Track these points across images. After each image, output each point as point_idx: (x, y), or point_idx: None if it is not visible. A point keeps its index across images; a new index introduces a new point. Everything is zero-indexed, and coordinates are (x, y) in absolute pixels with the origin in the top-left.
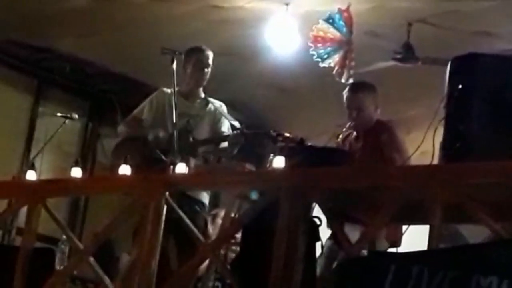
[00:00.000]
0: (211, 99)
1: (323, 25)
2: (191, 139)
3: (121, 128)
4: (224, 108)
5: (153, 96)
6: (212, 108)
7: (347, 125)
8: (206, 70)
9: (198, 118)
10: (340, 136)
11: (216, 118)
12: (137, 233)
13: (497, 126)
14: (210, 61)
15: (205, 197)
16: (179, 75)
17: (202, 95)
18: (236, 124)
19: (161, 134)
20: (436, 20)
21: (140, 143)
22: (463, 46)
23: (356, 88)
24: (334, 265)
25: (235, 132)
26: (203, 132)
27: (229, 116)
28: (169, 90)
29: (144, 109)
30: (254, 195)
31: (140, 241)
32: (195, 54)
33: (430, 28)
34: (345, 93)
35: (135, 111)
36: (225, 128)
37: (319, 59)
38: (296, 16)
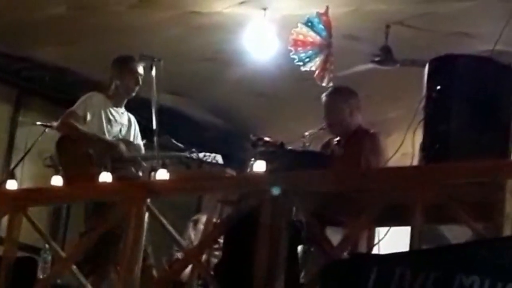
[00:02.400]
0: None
1: (302, 29)
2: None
3: (60, 124)
4: (134, 118)
5: (89, 96)
6: (132, 118)
7: (320, 127)
8: (139, 85)
9: (125, 127)
10: (306, 136)
11: (135, 129)
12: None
13: (476, 126)
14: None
15: None
16: (158, 81)
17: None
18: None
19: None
20: (414, 22)
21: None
22: (441, 47)
23: (332, 91)
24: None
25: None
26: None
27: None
28: (100, 94)
29: (84, 107)
30: (276, 191)
31: (123, 249)
32: (132, 63)
33: (408, 30)
34: (322, 96)
35: (75, 108)
36: (140, 140)
37: (301, 63)
38: (274, 21)
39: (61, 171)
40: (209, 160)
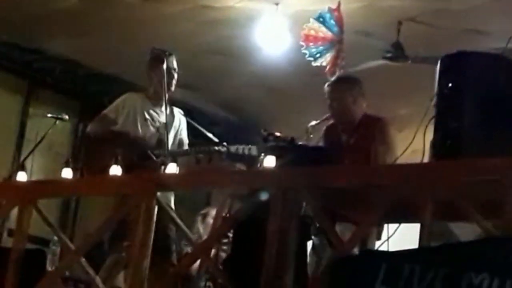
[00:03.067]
0: (174, 107)
1: (314, 24)
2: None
3: (92, 126)
4: (182, 115)
5: (123, 98)
6: (176, 115)
7: (324, 117)
8: (175, 75)
9: (165, 126)
10: (310, 127)
11: (179, 127)
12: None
13: (487, 124)
14: (176, 66)
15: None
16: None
17: (166, 102)
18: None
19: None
20: (425, 19)
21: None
22: (453, 44)
23: (335, 80)
24: (323, 262)
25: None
26: (169, 140)
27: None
28: (136, 95)
29: (115, 110)
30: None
31: (132, 241)
32: (163, 59)
33: (420, 27)
34: (325, 86)
35: (106, 110)
36: (186, 137)
37: (311, 58)
38: (286, 16)
39: (85, 170)
40: (245, 152)
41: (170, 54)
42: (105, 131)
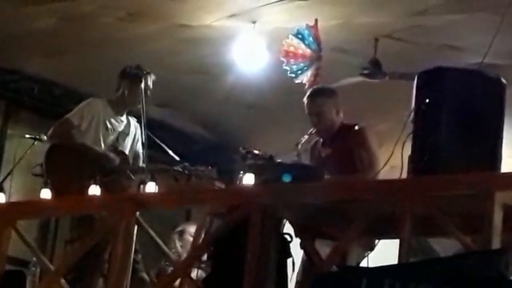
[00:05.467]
0: (130, 117)
1: (293, 40)
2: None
3: (54, 132)
4: (138, 127)
5: (87, 103)
6: (133, 126)
7: (309, 132)
8: (147, 97)
9: (124, 136)
10: (300, 145)
11: (136, 138)
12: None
13: (464, 139)
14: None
15: None
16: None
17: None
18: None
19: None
20: (402, 35)
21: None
22: (429, 60)
23: (315, 93)
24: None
25: (179, 166)
26: (127, 151)
27: (163, 144)
28: (100, 101)
29: (80, 115)
30: (287, 178)
31: (111, 262)
32: (144, 77)
33: (396, 43)
34: (305, 100)
35: (70, 115)
36: (140, 146)
37: (293, 75)
38: (263, 34)
39: (49, 182)
40: (201, 173)
41: (148, 73)
42: (66, 138)
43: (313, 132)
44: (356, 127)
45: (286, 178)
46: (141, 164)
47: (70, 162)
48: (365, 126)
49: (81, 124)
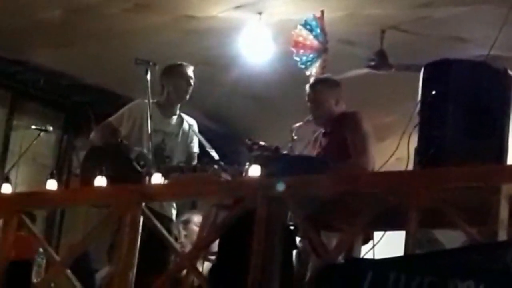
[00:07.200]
0: (185, 116)
1: (302, 31)
2: (166, 161)
3: (94, 134)
4: (195, 126)
5: (130, 106)
6: (187, 126)
7: (305, 119)
8: (191, 86)
9: (173, 136)
10: (294, 131)
11: (189, 138)
12: (113, 246)
13: (471, 131)
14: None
15: (173, 214)
16: (153, 86)
17: (178, 111)
18: (213, 153)
19: (144, 150)
20: (408, 27)
21: (114, 152)
22: (436, 52)
23: (315, 82)
24: (308, 271)
25: (215, 166)
26: (176, 151)
27: (206, 143)
28: (145, 103)
29: (121, 118)
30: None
31: (117, 253)
32: (181, 68)
33: (403, 35)
34: (306, 88)
35: (112, 118)
36: (196, 148)
37: (303, 66)
38: (269, 25)
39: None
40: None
41: (181, 64)
42: (106, 139)
43: (310, 119)
44: (350, 113)
45: (280, 187)
46: (195, 163)
47: (107, 164)
48: (358, 111)
49: (121, 127)
